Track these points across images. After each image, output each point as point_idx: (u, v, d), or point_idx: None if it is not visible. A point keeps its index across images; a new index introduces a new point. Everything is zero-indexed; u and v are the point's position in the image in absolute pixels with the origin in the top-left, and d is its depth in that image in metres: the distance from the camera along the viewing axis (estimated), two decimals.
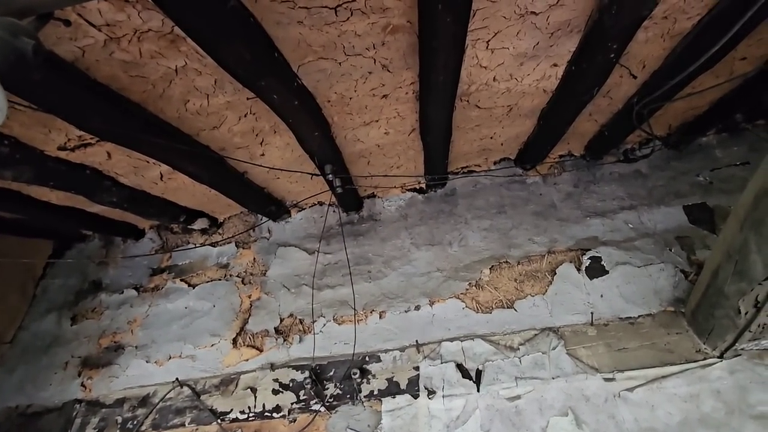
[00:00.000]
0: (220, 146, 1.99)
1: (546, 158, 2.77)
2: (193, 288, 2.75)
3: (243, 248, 2.89)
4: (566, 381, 2.01)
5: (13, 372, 2.61)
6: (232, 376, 2.33)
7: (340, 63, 1.55)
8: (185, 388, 2.32)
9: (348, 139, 2.14)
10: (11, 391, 2.53)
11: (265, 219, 2.92)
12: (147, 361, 2.49)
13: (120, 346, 2.59)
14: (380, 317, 2.42)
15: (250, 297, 2.65)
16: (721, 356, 1.93)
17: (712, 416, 1.81)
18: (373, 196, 2.96)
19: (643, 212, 2.54)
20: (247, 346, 2.44)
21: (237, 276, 2.76)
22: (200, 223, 2.84)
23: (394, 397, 2.11)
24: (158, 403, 2.29)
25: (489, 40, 1.58)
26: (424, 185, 2.91)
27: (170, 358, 2.48)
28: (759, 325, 1.70)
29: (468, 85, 1.84)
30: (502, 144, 2.63)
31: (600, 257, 2.39)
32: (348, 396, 2.15)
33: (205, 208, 2.81)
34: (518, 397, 2.02)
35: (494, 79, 1.84)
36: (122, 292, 2.82)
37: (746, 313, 1.70)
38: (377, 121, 2.04)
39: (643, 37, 1.66)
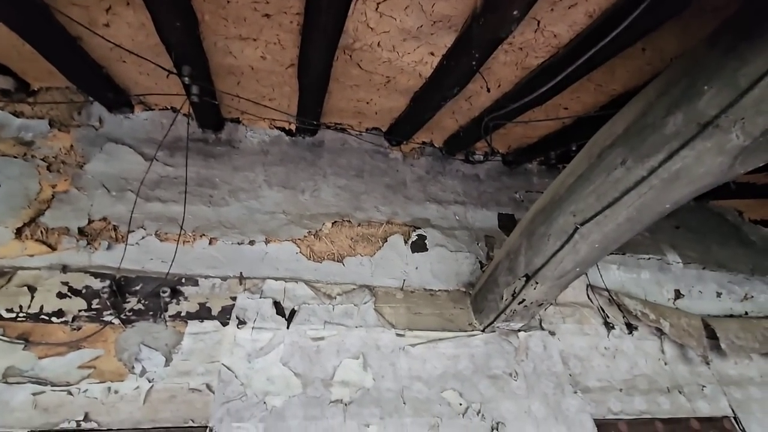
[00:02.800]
0: None
1: (411, 139, 3.01)
2: None
3: (59, 130, 2.41)
4: (366, 331, 2.30)
5: None
6: (6, 270, 1.98)
7: None
8: None
9: (219, 47, 1.96)
10: None
11: (93, 102, 2.47)
12: None
13: None
14: (210, 243, 2.34)
15: (54, 187, 2.24)
16: (483, 330, 2.45)
17: (463, 372, 2.31)
18: (237, 121, 2.78)
19: (470, 209, 3.01)
20: (36, 240, 2.09)
21: (42, 159, 2.30)
22: (4, 82, 2.25)
23: (201, 321, 2.10)
24: None
25: (379, 3, 1.62)
26: (294, 127, 2.86)
27: None
28: (512, 310, 2.22)
29: (353, 40, 1.87)
30: (376, 113, 2.75)
31: (426, 236, 2.75)
32: (151, 313, 2.05)
33: (13, 66, 2.23)
34: (322, 338, 2.22)
35: (378, 44, 1.91)
36: None
37: (506, 300, 2.20)
38: (255, 40, 1.92)
39: (503, 59, 1.94)
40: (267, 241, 2.44)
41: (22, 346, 1.86)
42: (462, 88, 2.01)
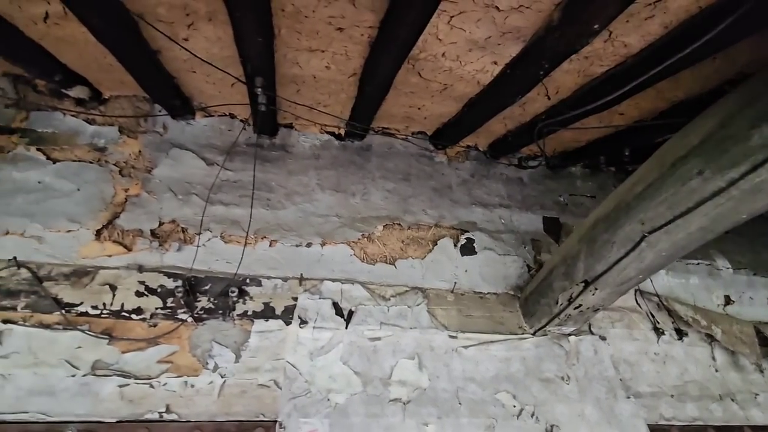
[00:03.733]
0: (140, 10, 1.70)
1: (457, 144, 3.05)
2: (54, 163, 2.34)
3: (128, 136, 2.54)
4: (420, 332, 2.36)
5: None
6: (89, 269, 2.11)
7: None
8: (24, 270, 2.02)
9: (287, 59, 2.04)
10: None
11: (163, 112, 2.60)
12: None
13: None
14: (270, 245, 2.44)
15: (127, 191, 2.37)
16: (533, 334, 2.48)
17: (515, 375, 2.35)
18: (290, 126, 2.87)
19: (515, 212, 3.03)
20: (114, 241, 2.22)
21: (115, 164, 2.43)
22: (79, 91, 2.39)
23: (266, 320, 2.19)
24: None
25: (453, 16, 1.67)
26: (343, 132, 2.94)
27: (8, 233, 2.11)
28: (566, 315, 2.25)
29: (419, 51, 1.92)
30: (425, 118, 2.80)
31: (474, 239, 2.79)
32: (220, 312, 2.16)
33: (89, 76, 2.37)
34: (379, 338, 2.29)
35: (443, 54, 1.96)
36: None
37: (561, 305, 2.22)
38: (323, 51, 1.99)
39: (566, 67, 1.95)
40: (323, 244, 2.53)
41: (107, 341, 1.99)
42: (524, 95, 2.04)
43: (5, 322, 1.92)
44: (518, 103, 2.38)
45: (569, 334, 2.51)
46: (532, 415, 2.24)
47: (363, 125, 2.68)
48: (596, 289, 2.03)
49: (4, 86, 2.41)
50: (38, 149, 2.34)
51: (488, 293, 2.62)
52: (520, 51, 1.84)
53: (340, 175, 2.83)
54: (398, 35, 1.62)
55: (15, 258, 2.01)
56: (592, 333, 2.59)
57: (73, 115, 2.48)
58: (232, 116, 2.75)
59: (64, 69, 2.21)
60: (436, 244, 2.71)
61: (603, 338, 2.59)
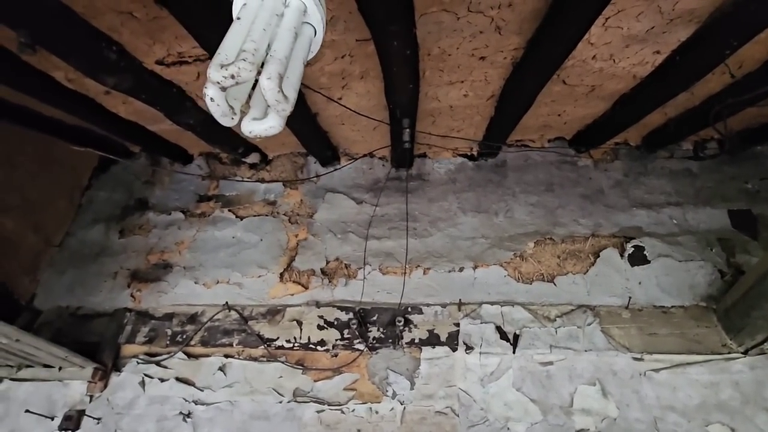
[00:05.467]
0: (305, 83, 1.98)
1: (603, 144, 2.79)
2: (241, 220, 2.81)
3: (290, 188, 2.93)
4: (597, 355, 2.16)
5: (63, 274, 2.70)
6: (278, 308, 2.46)
7: (458, 18, 1.53)
8: (233, 312, 2.44)
9: (428, 96, 2.14)
10: (61, 292, 2.64)
11: (314, 161, 2.94)
12: (195, 282, 2.59)
13: (168, 264, 2.68)
14: (424, 273, 2.53)
15: (297, 236, 2.73)
16: (745, 353, 2.07)
17: (729, 404, 1.98)
18: (424, 155, 2.98)
19: (689, 210, 2.62)
20: (293, 282, 2.55)
21: (284, 215, 2.82)
22: (253, 157, 2.86)
23: (433, 347, 2.26)
24: (206, 322, 2.41)
25: (609, 17, 1.56)
26: (476, 153, 2.93)
27: (218, 282, 2.59)
28: None
29: (567, 60, 1.83)
30: (565, 123, 2.64)
31: (643, 247, 2.48)
32: (390, 341, 2.29)
33: (260, 143, 2.82)
34: (551, 363, 2.17)
35: (593, 57, 1.83)
36: (170, 214, 2.88)
37: None
38: (462, 82, 2.04)
39: (755, 38, 1.66)
40: (474, 267, 2.52)
41: (301, 371, 2.27)
42: (699, 79, 1.78)
43: (226, 356, 2.34)
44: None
45: None
46: None
47: (496, 143, 2.64)
48: None
49: (200, 163, 3.02)
50: (229, 210, 2.84)
51: (673, 307, 2.29)
52: (692, 34, 1.62)
53: (479, 195, 2.81)
54: (551, 51, 1.57)
55: (227, 303, 2.44)
56: None
57: (247, 179, 2.97)
58: (371, 155, 2.97)
59: (245, 142, 2.67)
60: (598, 256, 2.48)
61: None
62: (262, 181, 2.93)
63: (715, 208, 2.61)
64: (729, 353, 2.11)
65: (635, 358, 2.14)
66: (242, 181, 2.94)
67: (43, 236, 2.71)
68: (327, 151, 2.71)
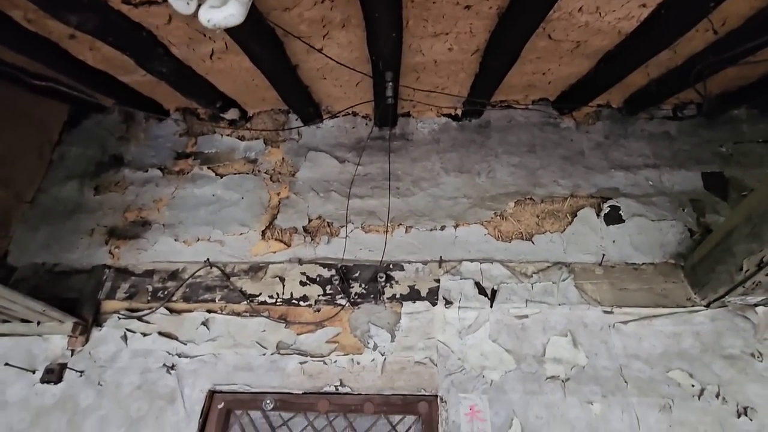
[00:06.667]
0: (283, 32, 1.90)
1: (586, 105, 2.79)
2: (221, 177, 2.76)
3: (272, 146, 2.87)
4: (569, 308, 2.25)
5: (37, 231, 2.63)
6: (261, 265, 2.46)
7: None
8: (215, 269, 2.44)
9: (412, 48, 2.08)
10: (36, 249, 2.58)
11: (296, 119, 2.87)
12: (175, 240, 2.57)
13: (147, 221, 2.64)
14: (406, 231, 2.55)
15: (278, 194, 2.70)
16: (708, 305, 2.19)
17: (689, 352, 2.11)
18: (408, 114, 2.94)
19: (665, 172, 2.68)
20: (276, 239, 2.54)
21: (265, 173, 2.77)
22: (232, 113, 2.77)
23: (414, 302, 2.31)
24: (188, 279, 2.41)
25: None
26: (460, 112, 2.91)
27: (198, 240, 2.57)
28: (754, 282, 1.94)
29: (553, 11, 1.79)
30: (549, 83, 2.62)
31: (619, 207, 2.54)
32: (371, 296, 2.34)
33: (239, 98, 2.72)
34: (526, 316, 2.26)
35: (579, 9, 1.80)
36: (146, 171, 2.80)
37: (746, 271, 1.92)
38: (447, 33, 1.98)
39: None
40: (456, 226, 2.55)
41: (284, 325, 2.31)
42: (683, 35, 1.78)
43: (209, 311, 2.35)
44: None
45: (757, 305, 2.16)
46: (717, 396, 2.00)
47: (481, 101, 2.61)
48: None
49: (177, 118, 2.91)
50: (208, 167, 2.78)
51: (643, 264, 2.38)
52: None
53: (462, 155, 2.81)
54: (537, 1, 1.53)
55: (208, 259, 2.43)
56: None
57: (227, 135, 2.89)
58: (354, 114, 2.92)
59: (222, 96, 2.57)
60: (576, 216, 2.54)
61: None
62: (241, 138, 2.86)
63: (690, 170, 2.67)
64: (693, 306, 2.22)
65: (605, 311, 2.24)
66: (220, 137, 2.86)
67: (12, 192, 2.62)
68: (308, 107, 2.64)
